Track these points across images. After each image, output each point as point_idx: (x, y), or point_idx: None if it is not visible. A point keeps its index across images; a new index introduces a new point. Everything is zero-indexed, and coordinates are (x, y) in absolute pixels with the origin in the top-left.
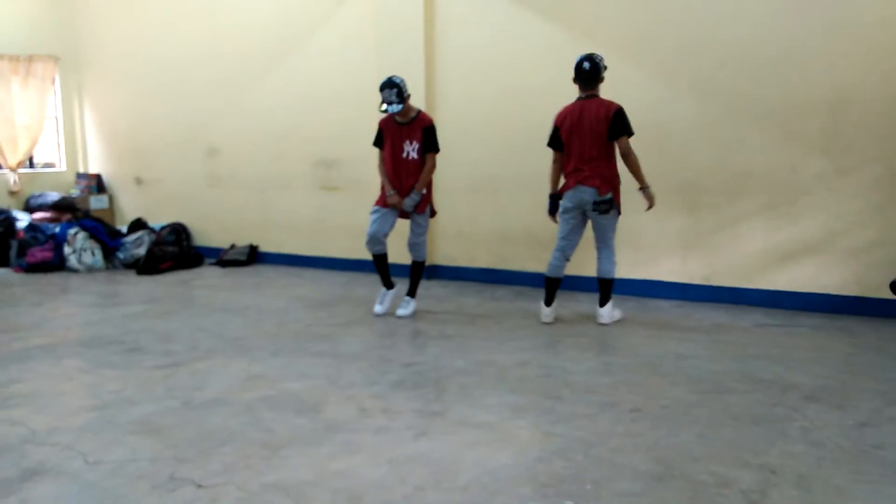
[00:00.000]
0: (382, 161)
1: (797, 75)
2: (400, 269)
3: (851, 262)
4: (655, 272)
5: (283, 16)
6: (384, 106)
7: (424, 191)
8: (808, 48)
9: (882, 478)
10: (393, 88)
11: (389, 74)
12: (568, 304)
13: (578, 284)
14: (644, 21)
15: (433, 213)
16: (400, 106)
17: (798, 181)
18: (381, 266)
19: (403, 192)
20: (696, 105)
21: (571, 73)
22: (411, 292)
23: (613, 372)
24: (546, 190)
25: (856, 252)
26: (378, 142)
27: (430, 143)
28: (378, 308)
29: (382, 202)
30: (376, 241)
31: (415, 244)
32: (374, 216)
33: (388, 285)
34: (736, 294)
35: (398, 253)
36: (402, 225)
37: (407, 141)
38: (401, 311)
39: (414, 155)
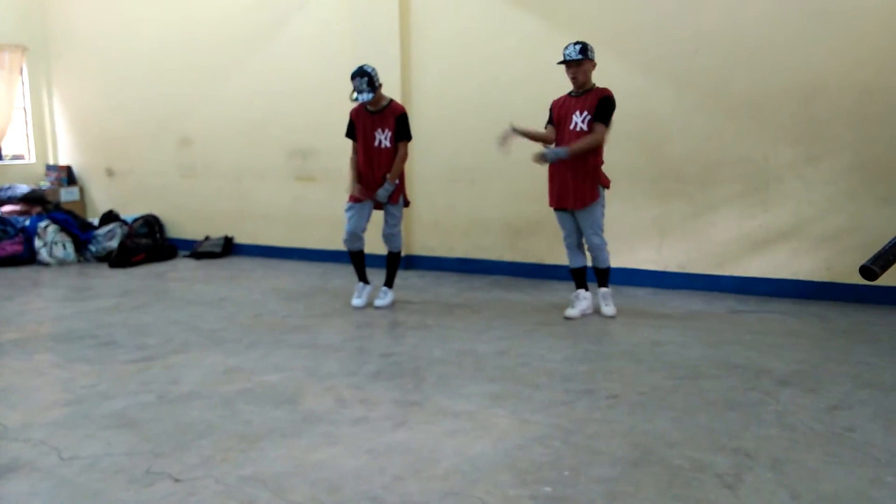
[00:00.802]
0: (355, 152)
1: (770, 64)
2: (376, 260)
3: (822, 248)
4: (631, 260)
5: (257, 3)
6: (355, 95)
7: (397, 181)
8: (781, 37)
9: (853, 459)
10: (364, 77)
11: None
12: (544, 293)
13: (556, 273)
14: (620, 11)
15: (406, 203)
16: (371, 95)
17: (770, 169)
18: (357, 262)
19: (376, 182)
20: (671, 95)
21: (548, 64)
22: (388, 283)
23: (591, 359)
24: (521, 181)
25: (827, 238)
26: (350, 133)
27: (402, 132)
28: (357, 301)
29: (355, 198)
30: (355, 237)
31: (389, 235)
32: (350, 213)
33: (365, 280)
34: (710, 281)
35: (374, 244)
36: (377, 216)
37: (379, 129)
38: (378, 302)
39: (387, 143)
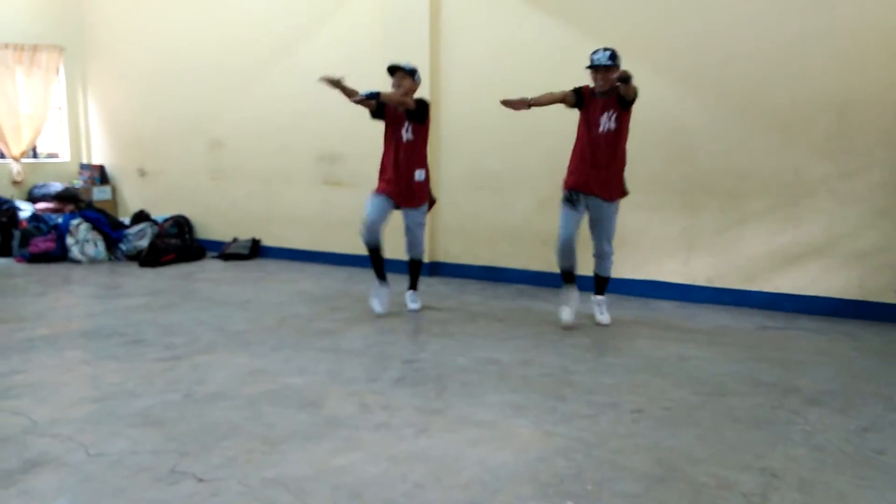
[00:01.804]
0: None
1: (802, 77)
2: (400, 266)
3: (854, 265)
4: (658, 273)
5: (289, 7)
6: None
7: (424, 177)
8: (815, 50)
9: (884, 483)
10: (411, 64)
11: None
12: None
13: (581, 284)
14: (650, 20)
15: (432, 203)
16: (409, 65)
17: (801, 184)
18: (376, 260)
19: (402, 182)
20: (701, 105)
21: (577, 72)
22: (415, 286)
23: (615, 373)
24: (548, 189)
25: (859, 255)
26: (380, 112)
27: (419, 113)
28: (377, 305)
29: (380, 188)
30: (374, 229)
31: (413, 243)
32: (370, 203)
33: (383, 278)
34: (738, 296)
35: (397, 250)
36: (397, 222)
37: (405, 124)
38: (413, 306)
39: (412, 137)
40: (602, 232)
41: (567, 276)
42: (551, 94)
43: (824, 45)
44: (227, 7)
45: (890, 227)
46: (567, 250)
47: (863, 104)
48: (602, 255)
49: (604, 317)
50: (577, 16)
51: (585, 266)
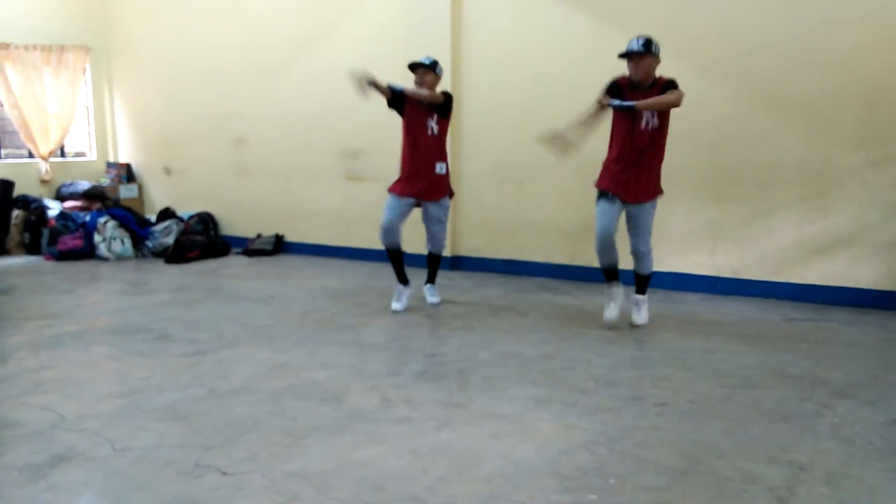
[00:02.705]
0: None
1: (830, 65)
2: (419, 260)
3: (885, 255)
4: (683, 265)
5: (311, 5)
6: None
7: (444, 171)
8: (843, 37)
9: None
10: (430, 56)
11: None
12: (592, 296)
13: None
14: (675, 10)
15: (451, 194)
16: (431, 60)
17: (830, 173)
18: (396, 261)
19: (422, 175)
20: (727, 95)
21: (600, 64)
22: (433, 279)
23: (639, 365)
24: (571, 182)
25: (889, 246)
26: (396, 103)
27: (445, 106)
28: (396, 305)
29: (398, 189)
30: (390, 231)
31: (435, 237)
32: (387, 205)
33: (405, 281)
34: (765, 288)
35: (417, 243)
36: (418, 216)
37: (429, 118)
38: (432, 300)
39: (436, 129)
40: (638, 231)
41: (609, 274)
42: (583, 118)
43: (852, 33)
44: (250, 6)
45: None
46: (605, 245)
47: (892, 92)
48: (638, 255)
49: (639, 316)
50: (599, 7)
51: (628, 259)
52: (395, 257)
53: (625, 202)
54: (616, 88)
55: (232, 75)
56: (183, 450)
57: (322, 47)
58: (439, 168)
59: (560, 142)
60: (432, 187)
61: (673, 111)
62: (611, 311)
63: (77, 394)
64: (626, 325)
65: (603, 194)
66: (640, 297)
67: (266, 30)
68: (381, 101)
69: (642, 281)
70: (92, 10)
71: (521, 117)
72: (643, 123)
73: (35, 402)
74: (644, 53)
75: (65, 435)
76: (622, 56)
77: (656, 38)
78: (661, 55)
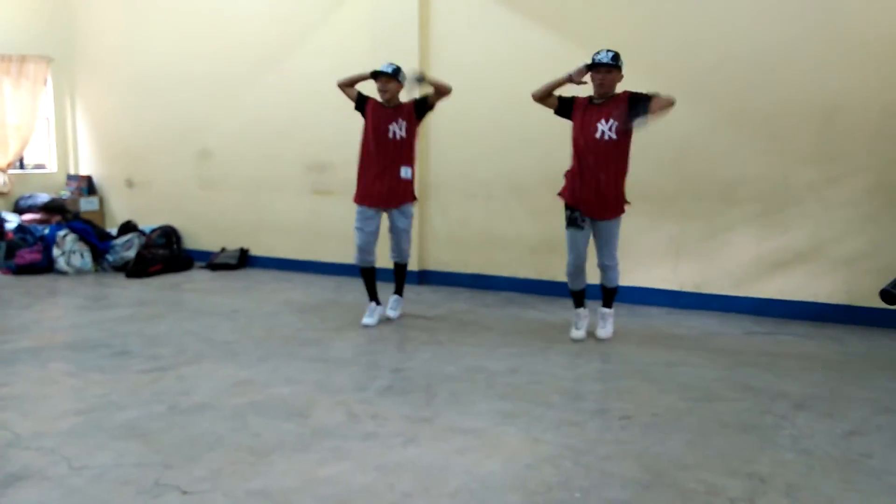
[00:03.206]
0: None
1: (790, 83)
2: (386, 274)
3: (841, 270)
4: (647, 279)
5: (278, 17)
6: (390, 69)
7: (410, 175)
8: (801, 56)
9: (870, 487)
10: (392, 63)
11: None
12: (558, 311)
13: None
14: (637, 28)
15: (414, 199)
16: (392, 68)
17: (789, 190)
18: (369, 279)
19: (386, 179)
20: (688, 113)
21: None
22: (399, 291)
23: (603, 379)
24: (538, 197)
25: (845, 261)
26: (360, 106)
27: (420, 108)
28: (369, 320)
29: (360, 194)
30: (367, 251)
31: (400, 247)
32: (358, 227)
33: (377, 300)
34: (726, 302)
35: (383, 258)
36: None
37: (394, 122)
38: (392, 313)
39: (402, 134)
40: (603, 245)
41: (577, 299)
42: (550, 91)
43: (811, 51)
44: (216, 17)
45: (876, 232)
46: (576, 273)
47: (849, 110)
48: (604, 268)
49: (604, 330)
50: (564, 23)
51: (595, 272)
52: (368, 276)
53: (590, 218)
54: (569, 105)
55: (197, 87)
56: (142, 468)
57: (289, 58)
58: (405, 172)
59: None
60: (396, 192)
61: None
62: (576, 334)
63: (33, 411)
64: (590, 338)
65: (571, 220)
66: (606, 310)
67: (232, 41)
68: (350, 112)
69: (609, 294)
70: (54, 19)
71: (488, 133)
72: (598, 134)
73: None
74: (612, 67)
75: (20, 454)
76: (590, 67)
77: (621, 55)
78: (625, 72)
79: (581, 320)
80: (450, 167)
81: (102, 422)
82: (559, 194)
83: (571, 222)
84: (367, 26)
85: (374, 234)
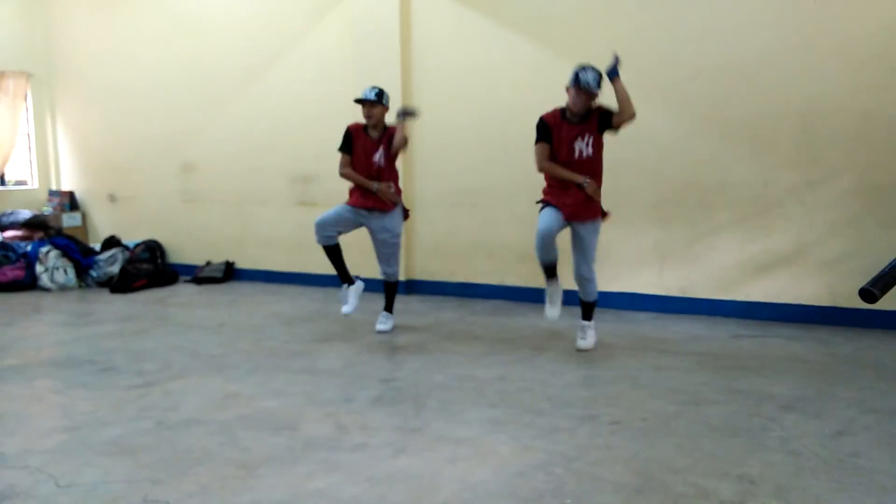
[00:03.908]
0: (347, 166)
1: (768, 90)
2: (377, 285)
3: (824, 272)
4: (633, 285)
5: (259, 31)
6: (364, 94)
7: (393, 188)
8: (779, 63)
9: (859, 486)
10: (374, 88)
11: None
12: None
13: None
14: (617, 37)
15: (406, 215)
16: (374, 95)
17: (770, 194)
18: (335, 258)
19: (371, 196)
20: (670, 120)
21: (548, 91)
22: (389, 308)
23: (592, 385)
24: (523, 204)
25: (828, 263)
26: (346, 146)
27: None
28: (346, 308)
29: (348, 202)
30: (325, 226)
31: (387, 262)
32: (332, 209)
33: (348, 280)
34: (712, 306)
35: (375, 269)
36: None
37: (376, 152)
38: (381, 327)
39: (381, 164)
40: (581, 253)
41: (549, 271)
42: (564, 174)
43: (788, 57)
44: (197, 30)
45: (857, 234)
46: (545, 240)
47: (827, 114)
48: (582, 281)
49: (585, 342)
50: (544, 34)
51: (572, 281)
52: (332, 253)
53: (569, 221)
54: (545, 129)
55: (179, 100)
56: (130, 485)
57: (271, 70)
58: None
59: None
60: (382, 203)
61: (617, 135)
62: (551, 311)
63: (19, 429)
64: (571, 341)
65: (548, 203)
66: (585, 322)
67: (213, 53)
68: (334, 123)
69: (587, 307)
70: (33, 35)
71: (472, 143)
72: (577, 153)
73: None
74: (596, 94)
75: (6, 472)
76: (577, 88)
77: (599, 65)
78: (604, 83)
79: (553, 296)
80: (434, 177)
81: (89, 439)
82: (539, 201)
83: (547, 204)
84: (348, 37)
85: (336, 217)
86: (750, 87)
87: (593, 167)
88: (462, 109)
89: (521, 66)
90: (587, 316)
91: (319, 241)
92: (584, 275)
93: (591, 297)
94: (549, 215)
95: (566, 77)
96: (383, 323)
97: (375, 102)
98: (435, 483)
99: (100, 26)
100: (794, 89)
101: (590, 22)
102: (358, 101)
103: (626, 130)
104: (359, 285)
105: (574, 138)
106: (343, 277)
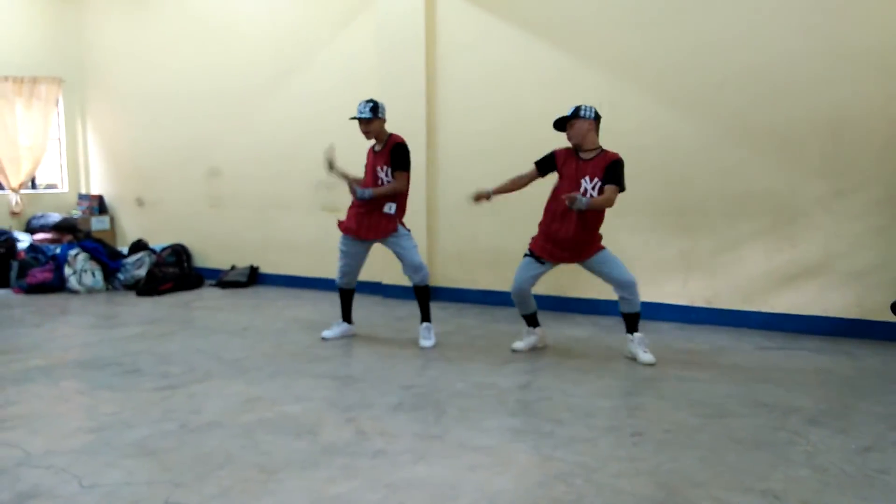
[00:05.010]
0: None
1: (796, 97)
2: (405, 292)
3: (852, 284)
4: (656, 295)
5: (285, 38)
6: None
7: (373, 193)
8: (808, 69)
9: (886, 503)
10: (369, 102)
11: (392, 96)
12: (566, 326)
13: (578, 307)
14: (643, 43)
15: (395, 230)
16: (366, 113)
17: (798, 203)
18: (346, 300)
19: (369, 210)
20: (695, 127)
21: (571, 97)
22: (426, 317)
23: (614, 395)
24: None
25: (856, 274)
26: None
27: (396, 161)
28: (327, 333)
29: (347, 227)
30: (346, 274)
31: (412, 268)
32: (343, 246)
33: (347, 319)
34: (737, 317)
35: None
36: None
37: (379, 167)
38: (425, 343)
39: (388, 180)
40: (611, 271)
41: (528, 321)
42: (518, 177)
43: (817, 64)
44: (224, 37)
45: (887, 245)
46: (520, 298)
47: (856, 122)
48: (629, 287)
49: (647, 356)
50: (569, 39)
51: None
52: (344, 296)
53: (572, 262)
54: (550, 161)
55: (206, 106)
56: (152, 486)
57: (297, 77)
58: (388, 208)
59: (479, 196)
60: (377, 224)
61: (642, 142)
62: (520, 344)
63: (44, 429)
64: (600, 354)
65: (531, 254)
66: (634, 336)
67: (240, 60)
68: (356, 133)
69: (630, 319)
70: (65, 41)
71: (495, 149)
72: (581, 191)
73: (0, 439)
74: (572, 118)
75: (30, 472)
76: (556, 128)
77: (624, 70)
78: (632, 89)
79: (528, 336)
80: (457, 184)
81: (113, 440)
82: (529, 246)
83: (530, 253)
84: (373, 43)
85: (356, 258)
86: (777, 95)
87: (597, 211)
88: (485, 116)
89: (544, 72)
90: (631, 328)
91: (339, 285)
92: (630, 281)
93: (631, 309)
94: (525, 270)
95: (589, 83)
96: (426, 339)
97: (370, 119)
98: (454, 491)
99: (130, 33)
100: (822, 97)
101: (613, 28)
102: (353, 118)
103: (650, 138)
104: (350, 328)
105: (582, 176)
106: (344, 316)
